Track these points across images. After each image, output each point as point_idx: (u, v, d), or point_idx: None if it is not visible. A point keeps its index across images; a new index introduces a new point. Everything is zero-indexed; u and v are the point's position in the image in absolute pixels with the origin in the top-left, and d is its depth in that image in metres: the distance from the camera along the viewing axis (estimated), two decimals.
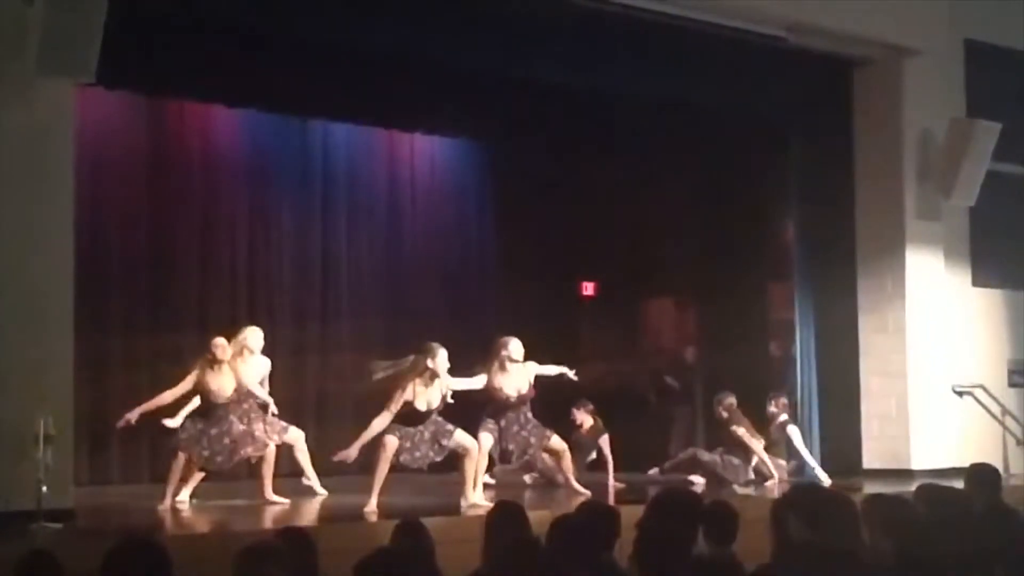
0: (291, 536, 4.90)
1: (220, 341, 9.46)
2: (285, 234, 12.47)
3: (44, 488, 7.50)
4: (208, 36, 9.63)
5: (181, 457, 9.25)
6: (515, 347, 9.66)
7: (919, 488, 5.92)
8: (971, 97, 12.55)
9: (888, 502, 5.24)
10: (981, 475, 6.21)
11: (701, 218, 13.08)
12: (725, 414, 11.10)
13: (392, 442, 8.89)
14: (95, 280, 10.59)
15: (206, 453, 9.27)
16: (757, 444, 11.00)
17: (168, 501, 9.07)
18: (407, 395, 8.89)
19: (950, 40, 12.31)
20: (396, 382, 8.94)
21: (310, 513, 9.12)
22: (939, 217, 12.11)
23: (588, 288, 14.04)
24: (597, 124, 12.59)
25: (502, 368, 9.57)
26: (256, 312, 11.76)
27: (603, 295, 13.95)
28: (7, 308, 7.86)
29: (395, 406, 8.90)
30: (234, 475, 9.75)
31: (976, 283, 12.61)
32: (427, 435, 9.00)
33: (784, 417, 11.43)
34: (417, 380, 8.91)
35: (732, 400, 11.15)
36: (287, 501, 9.41)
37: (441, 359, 8.94)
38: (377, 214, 13.11)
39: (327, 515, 9.05)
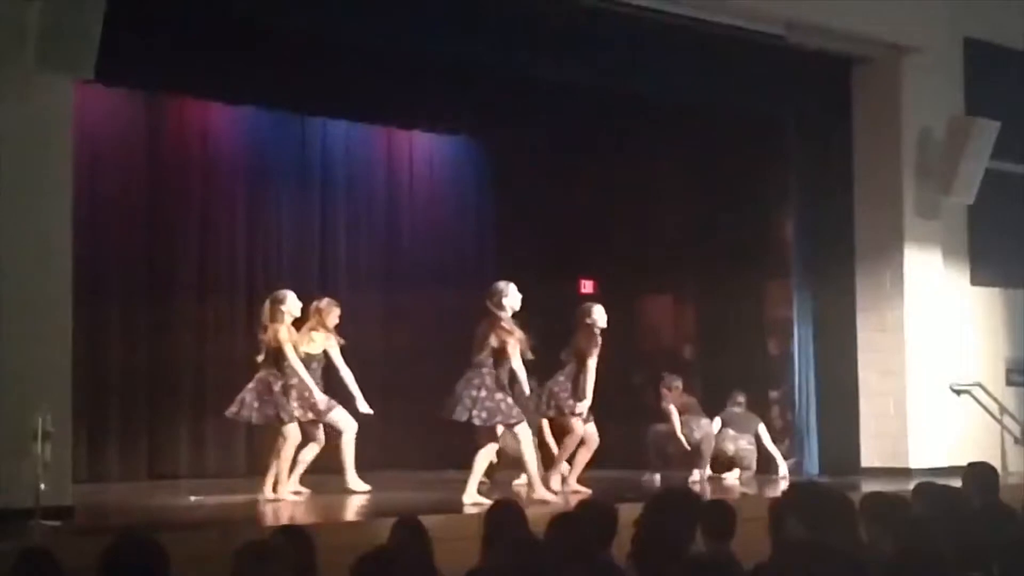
0: (290, 533, 4.90)
1: (291, 294, 9.45)
2: (284, 231, 12.45)
3: (42, 485, 7.46)
4: (207, 33, 9.64)
5: (293, 436, 9.15)
6: (599, 312, 9.71)
7: (917, 486, 5.93)
8: (970, 95, 12.52)
9: (886, 500, 5.25)
10: (979, 473, 6.23)
11: (699, 216, 13.05)
12: (666, 391, 11.34)
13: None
14: (94, 276, 10.59)
15: (295, 405, 9.23)
16: (676, 420, 11.20)
17: (282, 488, 9.09)
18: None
19: (949, 38, 12.30)
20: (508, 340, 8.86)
21: (309, 510, 9.11)
22: (938, 215, 12.11)
23: (587, 285, 14.02)
24: (595, 121, 12.59)
25: (591, 333, 9.67)
26: (254, 308, 11.72)
27: (601, 292, 13.92)
28: (5, 304, 7.84)
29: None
30: (233, 471, 9.73)
31: (975, 281, 12.59)
32: None
33: (736, 410, 11.54)
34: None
35: (678, 384, 11.46)
36: (287, 498, 9.41)
37: None
38: (376, 210, 13.10)
39: (326, 513, 9.04)
